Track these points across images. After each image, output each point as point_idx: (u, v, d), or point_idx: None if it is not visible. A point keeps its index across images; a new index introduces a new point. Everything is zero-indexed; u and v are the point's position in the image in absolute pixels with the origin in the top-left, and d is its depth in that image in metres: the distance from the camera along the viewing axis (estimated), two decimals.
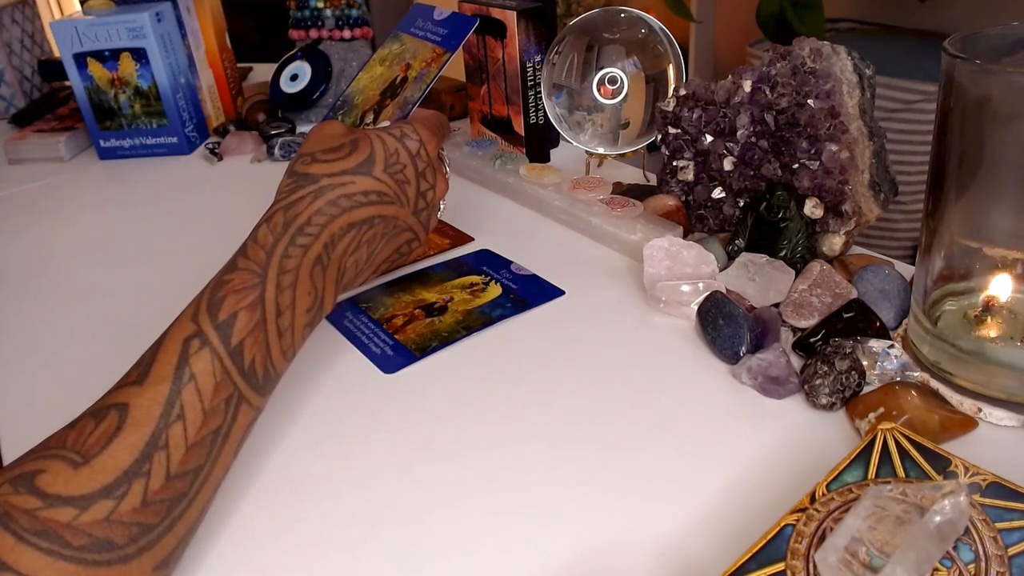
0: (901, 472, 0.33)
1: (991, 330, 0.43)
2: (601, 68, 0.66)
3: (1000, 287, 0.42)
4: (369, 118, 0.57)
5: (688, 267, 0.53)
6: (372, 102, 0.58)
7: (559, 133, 0.73)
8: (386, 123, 0.54)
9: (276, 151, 0.85)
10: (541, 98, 0.72)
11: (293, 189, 0.45)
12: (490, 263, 0.60)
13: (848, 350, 0.43)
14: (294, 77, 0.93)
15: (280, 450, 0.43)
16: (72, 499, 0.31)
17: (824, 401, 0.42)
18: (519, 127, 0.75)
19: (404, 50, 0.60)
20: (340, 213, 0.45)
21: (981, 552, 0.30)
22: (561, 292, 0.56)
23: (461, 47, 0.58)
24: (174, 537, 0.33)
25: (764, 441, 0.41)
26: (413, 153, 0.50)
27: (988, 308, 0.43)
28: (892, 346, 0.44)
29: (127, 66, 0.86)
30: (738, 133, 0.56)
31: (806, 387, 0.43)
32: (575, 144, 0.70)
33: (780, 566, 0.30)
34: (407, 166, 0.49)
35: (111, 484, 0.31)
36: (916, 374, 0.44)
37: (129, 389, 0.34)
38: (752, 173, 0.56)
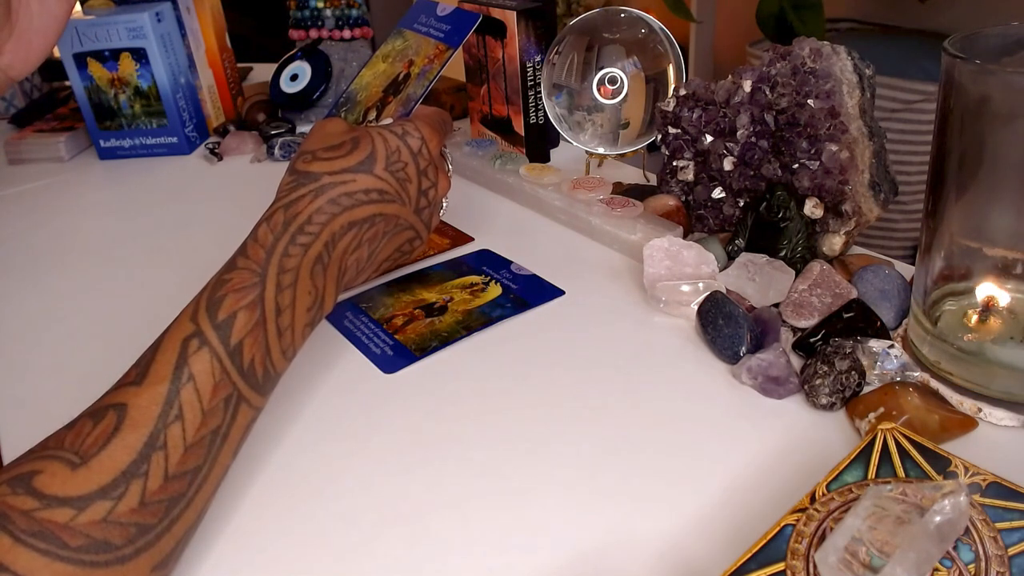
0: (901, 472, 0.33)
1: (991, 330, 0.42)
2: (601, 68, 0.66)
3: (1000, 287, 0.42)
4: (372, 115, 0.56)
5: (688, 267, 0.53)
6: (375, 99, 0.58)
7: (559, 133, 0.73)
8: (388, 120, 0.53)
9: (276, 151, 0.85)
10: (541, 98, 0.72)
11: (294, 187, 0.45)
12: (490, 263, 0.60)
13: (848, 350, 0.43)
14: (294, 77, 0.93)
15: (280, 450, 0.43)
16: (69, 500, 0.31)
17: (824, 401, 0.42)
18: (519, 127, 0.74)
19: (407, 46, 0.59)
20: (341, 212, 0.45)
21: (981, 552, 0.29)
22: (561, 292, 0.56)
23: (462, 45, 0.58)
24: (172, 538, 0.33)
25: (764, 441, 0.41)
26: (415, 151, 0.49)
27: (988, 308, 0.43)
28: (892, 346, 0.44)
29: (127, 66, 0.86)
30: (738, 133, 0.56)
31: (806, 387, 0.43)
32: (575, 144, 0.70)
33: (780, 566, 0.30)
34: (408, 164, 0.49)
35: (109, 485, 0.31)
36: (916, 374, 0.44)
37: (127, 389, 0.34)
38: (752, 173, 0.56)
